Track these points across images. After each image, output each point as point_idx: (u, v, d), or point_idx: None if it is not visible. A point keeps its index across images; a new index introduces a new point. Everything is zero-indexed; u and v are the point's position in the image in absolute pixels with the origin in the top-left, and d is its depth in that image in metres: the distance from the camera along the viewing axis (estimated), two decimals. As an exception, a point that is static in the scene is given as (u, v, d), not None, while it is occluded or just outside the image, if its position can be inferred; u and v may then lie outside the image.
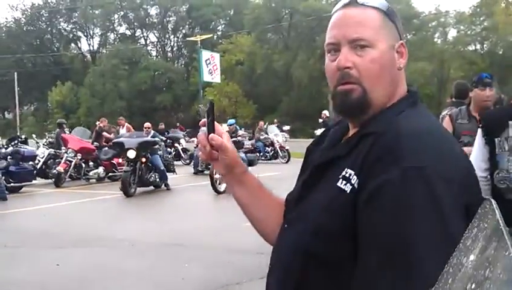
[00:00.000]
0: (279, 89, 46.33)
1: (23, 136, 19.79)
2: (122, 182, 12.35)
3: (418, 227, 0.97)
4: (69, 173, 15.07)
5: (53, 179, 14.88)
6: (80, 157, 15.26)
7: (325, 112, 21.77)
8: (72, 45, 73.88)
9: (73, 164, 15.07)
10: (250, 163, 13.81)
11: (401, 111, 1.14)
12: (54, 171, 15.02)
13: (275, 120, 37.16)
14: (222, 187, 11.89)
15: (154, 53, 71.22)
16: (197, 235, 8.12)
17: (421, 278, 0.94)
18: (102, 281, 5.94)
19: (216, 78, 35.98)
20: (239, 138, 15.28)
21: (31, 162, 15.21)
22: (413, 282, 0.95)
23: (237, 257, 6.61)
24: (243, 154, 13.56)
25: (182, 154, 21.02)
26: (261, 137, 21.36)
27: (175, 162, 17.51)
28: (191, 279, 5.78)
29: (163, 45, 70.95)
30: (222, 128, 1.47)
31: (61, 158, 15.41)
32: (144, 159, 12.84)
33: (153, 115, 51.11)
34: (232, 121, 16.62)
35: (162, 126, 26.50)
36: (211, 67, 34.34)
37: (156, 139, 13.97)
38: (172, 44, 71.33)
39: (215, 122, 1.45)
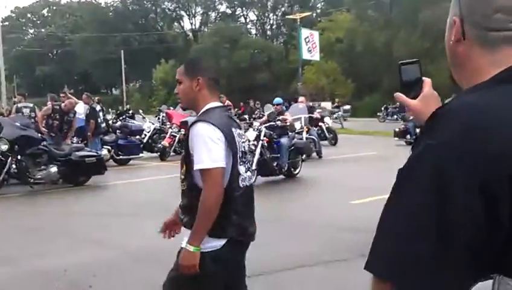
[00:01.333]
0: (379, 67, 45.36)
1: (130, 112, 20.90)
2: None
3: (407, 202, 1.00)
4: (173, 148, 15.72)
5: (158, 153, 15.59)
6: (183, 133, 15.83)
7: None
8: (175, 23, 76.07)
9: (177, 138, 15.69)
10: (301, 151, 12.24)
11: (479, 89, 1.09)
12: (159, 145, 15.74)
13: (336, 100, 36.60)
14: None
15: (253, 31, 71.94)
16: (303, 211, 8.31)
17: (387, 245, 1.03)
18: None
19: (315, 56, 35.91)
20: (279, 122, 11.95)
21: (138, 137, 16.05)
22: (382, 248, 1.04)
23: (344, 234, 6.66)
24: (295, 140, 12.24)
25: (327, 134, 19.18)
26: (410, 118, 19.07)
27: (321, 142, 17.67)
28: (296, 253, 5.92)
29: (263, 23, 71.42)
30: (428, 85, 1.53)
31: (166, 133, 16.11)
32: None
33: (252, 93, 51.75)
34: (278, 100, 13.53)
35: (309, 104, 23.62)
36: (310, 45, 34.31)
37: None
38: (271, 22, 71.66)
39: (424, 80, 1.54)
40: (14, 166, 10.30)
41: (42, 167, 10.69)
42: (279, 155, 11.19)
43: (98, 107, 14.30)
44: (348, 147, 17.96)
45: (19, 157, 10.32)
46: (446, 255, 0.95)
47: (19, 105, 13.34)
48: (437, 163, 0.98)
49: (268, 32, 71.46)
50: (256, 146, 10.67)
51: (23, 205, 9.67)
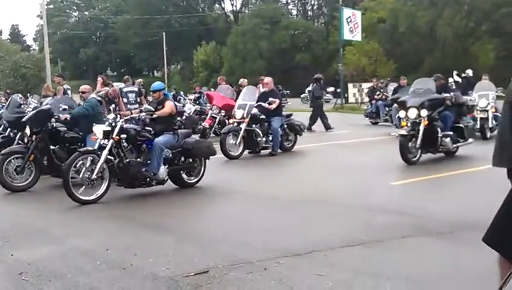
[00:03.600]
0: (422, 47, 44.56)
1: (171, 93, 21.07)
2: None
3: None
4: (213, 129, 15.81)
5: (198, 134, 15.67)
6: (223, 114, 15.91)
7: (469, 71, 20.51)
8: (216, 5, 76.09)
9: (217, 120, 15.77)
10: (189, 153, 8.94)
11: None
12: (200, 126, 15.85)
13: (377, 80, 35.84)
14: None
15: (294, 12, 71.43)
16: (341, 193, 8.24)
17: None
18: (244, 230, 6.31)
19: (357, 36, 35.40)
20: (143, 115, 8.78)
21: (179, 118, 16.15)
22: None
23: (379, 216, 6.61)
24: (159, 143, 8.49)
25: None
26: None
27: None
28: (332, 233, 5.90)
29: (304, 3, 70.78)
30: None
31: (207, 114, 16.20)
32: (34, 137, 9.17)
33: (292, 74, 51.58)
34: (158, 85, 9.28)
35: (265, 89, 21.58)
36: (351, 26, 33.83)
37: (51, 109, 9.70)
38: (312, 2, 71.01)
39: None
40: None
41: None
42: (149, 160, 8.41)
43: (127, 88, 14.57)
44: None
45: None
46: None
47: (65, 87, 13.68)
48: None
49: (309, 13, 70.83)
50: (105, 146, 7.96)
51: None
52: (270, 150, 12.69)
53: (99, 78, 13.81)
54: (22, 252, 5.46)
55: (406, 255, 5.16)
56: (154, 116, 8.62)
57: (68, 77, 50.32)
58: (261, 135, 12.54)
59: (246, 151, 12.57)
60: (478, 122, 14.32)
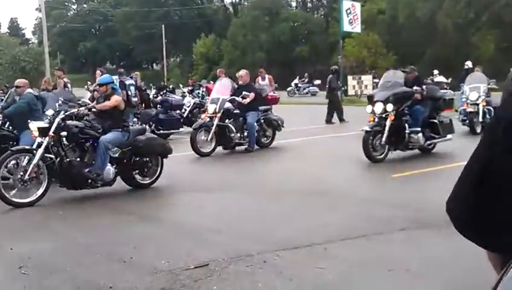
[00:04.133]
0: (422, 38, 44.40)
1: (171, 86, 21.06)
2: None
3: None
4: (212, 122, 15.77)
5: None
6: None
7: (468, 63, 20.39)
8: (215, -3, 75.87)
9: (217, 113, 15.71)
10: (140, 151, 8.27)
11: None
12: (199, 119, 15.80)
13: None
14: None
15: (294, 4, 71.19)
16: (342, 184, 8.25)
17: None
18: (244, 223, 6.31)
19: (356, 28, 35.25)
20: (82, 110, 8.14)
21: (178, 111, 16.15)
22: None
23: (379, 208, 6.61)
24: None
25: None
26: None
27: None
28: (332, 226, 5.90)
29: (303, -5, 70.60)
30: None
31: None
32: None
33: (292, 66, 51.43)
34: (105, 78, 8.75)
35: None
36: (351, 17, 33.69)
37: None
38: (312, -6, 70.78)
39: None
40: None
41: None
42: (94, 161, 7.75)
43: (128, 81, 14.49)
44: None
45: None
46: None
47: (65, 80, 13.68)
48: None
49: (309, 5, 70.63)
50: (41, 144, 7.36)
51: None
52: (246, 146, 12.09)
53: (98, 72, 13.79)
54: (22, 246, 5.47)
55: (405, 248, 5.16)
56: (94, 110, 8.06)
57: (67, 70, 50.23)
58: (234, 130, 11.88)
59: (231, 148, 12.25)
60: (468, 116, 13.80)
